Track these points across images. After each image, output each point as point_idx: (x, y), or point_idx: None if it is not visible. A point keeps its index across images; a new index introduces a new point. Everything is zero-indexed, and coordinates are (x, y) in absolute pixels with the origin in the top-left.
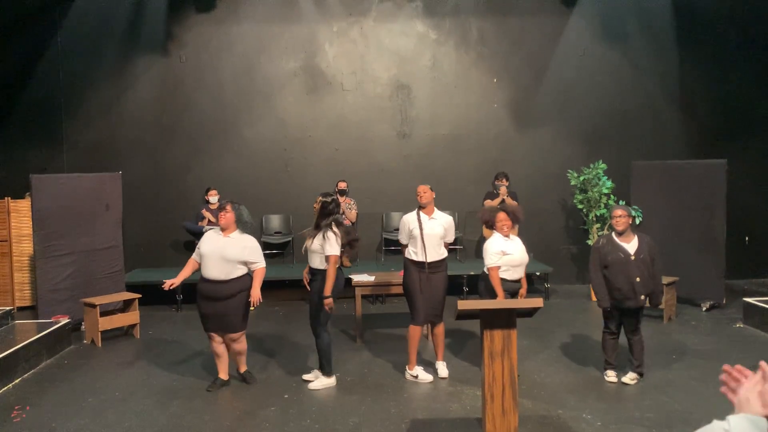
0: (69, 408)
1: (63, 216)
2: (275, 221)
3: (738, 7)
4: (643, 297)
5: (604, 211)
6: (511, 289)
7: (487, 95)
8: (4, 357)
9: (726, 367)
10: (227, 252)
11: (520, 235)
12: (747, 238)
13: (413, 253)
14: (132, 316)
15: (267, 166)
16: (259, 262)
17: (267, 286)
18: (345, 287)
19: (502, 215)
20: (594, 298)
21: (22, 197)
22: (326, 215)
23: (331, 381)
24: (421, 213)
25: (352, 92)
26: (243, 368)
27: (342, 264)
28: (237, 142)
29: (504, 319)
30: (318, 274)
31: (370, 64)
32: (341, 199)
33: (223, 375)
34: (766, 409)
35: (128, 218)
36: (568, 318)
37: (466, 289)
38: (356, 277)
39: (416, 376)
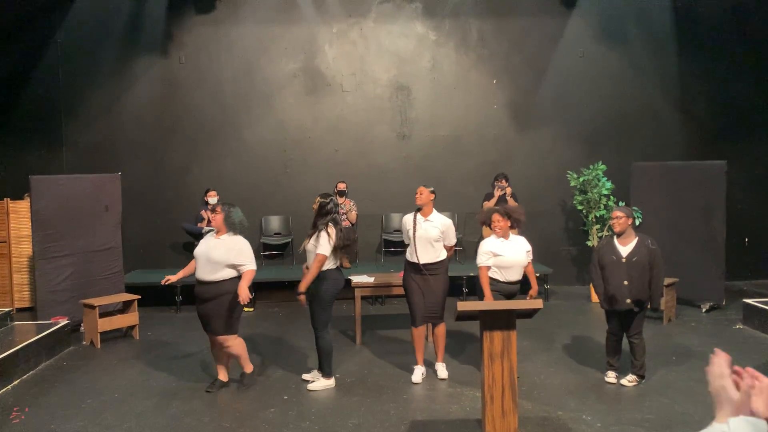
0: (68, 409)
1: (62, 217)
2: (275, 222)
3: (738, 9)
4: (629, 301)
5: (604, 212)
6: (505, 290)
7: (486, 96)
8: (3, 358)
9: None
10: (212, 253)
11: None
12: (746, 240)
13: (409, 254)
14: (131, 318)
15: (266, 167)
16: (247, 264)
17: (267, 287)
18: (345, 288)
19: (496, 216)
20: (594, 299)
21: (22, 198)
22: (324, 215)
23: (330, 382)
24: (418, 214)
25: (352, 93)
26: (247, 368)
27: (341, 265)
28: (236, 144)
29: (503, 320)
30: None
31: (369, 66)
32: (341, 201)
33: (223, 376)
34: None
35: (127, 219)
36: (567, 319)
37: (465, 290)
38: (356, 279)
39: (423, 375)
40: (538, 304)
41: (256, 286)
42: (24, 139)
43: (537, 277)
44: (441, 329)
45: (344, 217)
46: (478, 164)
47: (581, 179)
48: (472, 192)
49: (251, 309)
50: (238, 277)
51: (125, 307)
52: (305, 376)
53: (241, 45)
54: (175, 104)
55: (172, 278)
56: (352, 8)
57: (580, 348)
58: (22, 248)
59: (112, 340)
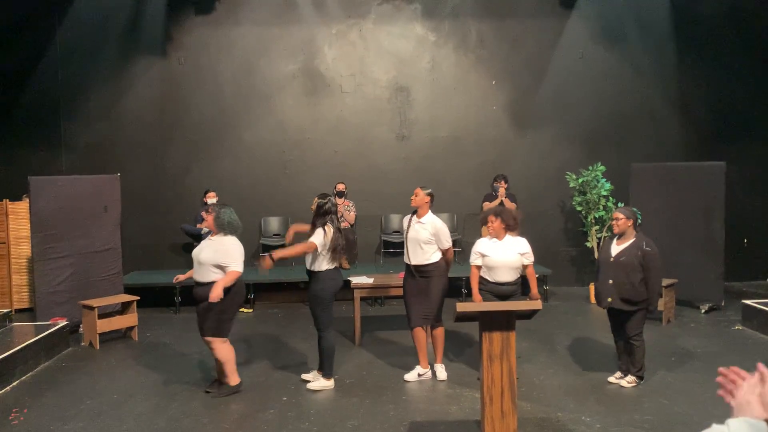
0: (67, 410)
1: (61, 218)
2: (274, 223)
3: (737, 10)
4: (610, 299)
5: (603, 213)
6: (495, 291)
7: (486, 97)
8: (1, 359)
9: (722, 369)
10: (201, 254)
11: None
12: (746, 241)
13: (404, 256)
14: (130, 319)
15: (266, 168)
16: (231, 265)
17: (266, 288)
18: (344, 289)
19: (490, 217)
20: (593, 300)
21: (21, 199)
22: (322, 215)
23: (329, 383)
24: (414, 216)
25: (351, 94)
26: (232, 380)
27: (341, 266)
28: (236, 145)
29: (503, 321)
30: (313, 276)
31: (369, 67)
32: (340, 201)
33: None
34: (766, 412)
35: (127, 220)
36: (567, 320)
37: (464, 291)
38: (355, 280)
39: (421, 375)
40: (537, 305)
41: (255, 287)
42: (24, 139)
43: (536, 278)
44: (440, 331)
45: (342, 218)
46: (477, 165)
47: (580, 180)
48: (472, 193)
49: (250, 310)
50: None
51: (124, 308)
52: (305, 376)
53: (241, 46)
54: (175, 105)
55: (182, 277)
56: (352, 9)
57: (579, 349)
58: (21, 249)
59: (111, 341)
